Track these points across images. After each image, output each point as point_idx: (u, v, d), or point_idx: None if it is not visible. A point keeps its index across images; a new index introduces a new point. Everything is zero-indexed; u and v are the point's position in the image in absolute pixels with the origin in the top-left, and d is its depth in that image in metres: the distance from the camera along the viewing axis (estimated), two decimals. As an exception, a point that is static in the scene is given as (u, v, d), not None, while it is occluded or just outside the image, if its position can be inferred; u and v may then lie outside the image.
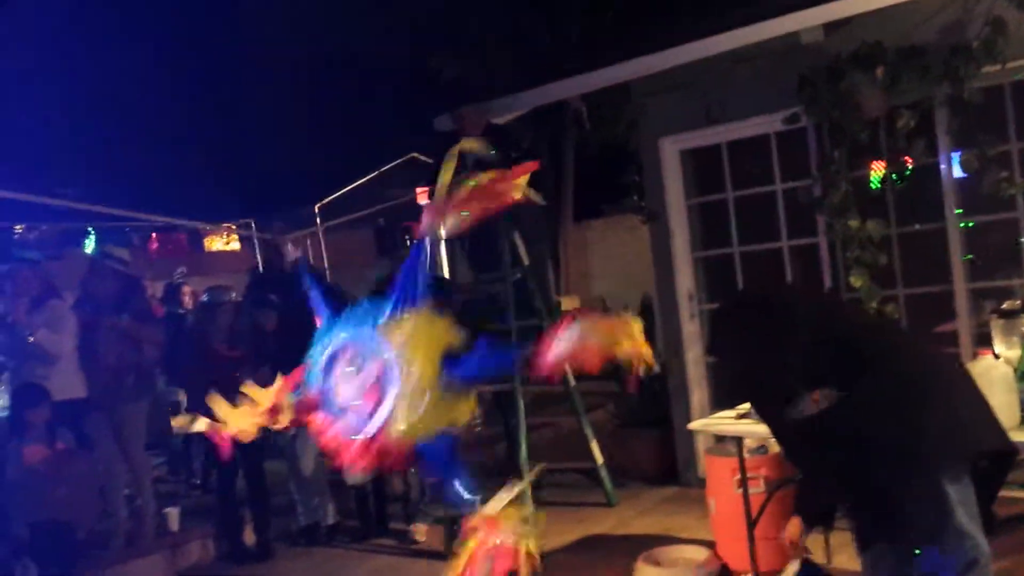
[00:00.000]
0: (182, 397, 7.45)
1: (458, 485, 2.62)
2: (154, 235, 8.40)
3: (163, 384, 7.31)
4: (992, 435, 2.67)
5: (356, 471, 2.64)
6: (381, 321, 2.46)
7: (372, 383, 2.38)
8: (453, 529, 5.51)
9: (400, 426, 2.38)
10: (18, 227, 7.58)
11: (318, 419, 2.48)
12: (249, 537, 5.96)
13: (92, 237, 7.59)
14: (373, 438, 2.40)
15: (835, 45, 5.10)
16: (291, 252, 6.68)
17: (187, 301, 8.76)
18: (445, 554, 5.40)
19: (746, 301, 3.15)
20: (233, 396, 5.88)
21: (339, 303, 2.64)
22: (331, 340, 2.48)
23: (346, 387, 2.39)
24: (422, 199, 8.61)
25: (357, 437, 2.40)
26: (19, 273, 6.24)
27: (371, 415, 2.36)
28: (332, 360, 2.44)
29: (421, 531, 5.79)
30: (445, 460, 2.62)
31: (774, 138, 5.67)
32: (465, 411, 2.56)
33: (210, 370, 5.97)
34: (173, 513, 6.08)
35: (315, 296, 2.70)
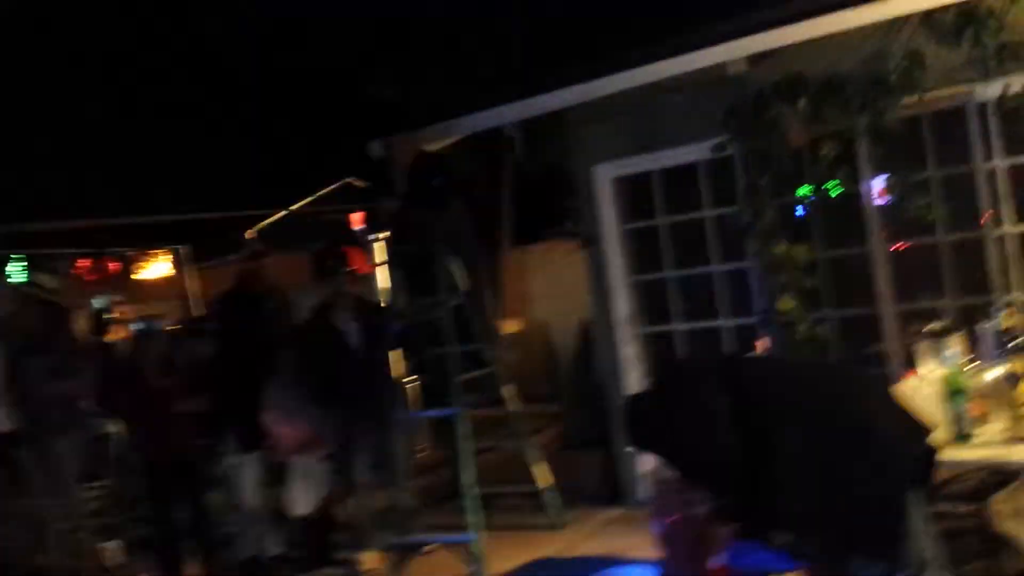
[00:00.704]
0: (114, 428, 7.27)
1: None
2: (81, 263, 8.22)
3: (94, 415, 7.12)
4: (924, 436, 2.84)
5: None
6: None
7: None
8: (401, 557, 5.53)
9: None
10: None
11: None
12: (191, 570, 5.86)
13: (19, 266, 7.40)
14: None
15: (760, 76, 5.31)
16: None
17: (119, 317, 8.55)
18: (392, 582, 5.42)
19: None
20: (164, 427, 5.78)
21: None
22: None
23: None
24: (356, 224, 8.61)
25: None
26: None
27: None
28: None
29: (368, 560, 5.76)
30: None
31: (703, 166, 5.86)
32: None
33: (143, 400, 5.89)
34: (113, 548, 5.94)
35: None
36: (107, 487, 7.41)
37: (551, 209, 8.80)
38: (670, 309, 6.09)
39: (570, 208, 6.67)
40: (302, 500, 5.77)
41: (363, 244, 8.41)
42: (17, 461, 5.84)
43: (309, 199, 9.02)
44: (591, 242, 6.33)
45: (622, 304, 6.25)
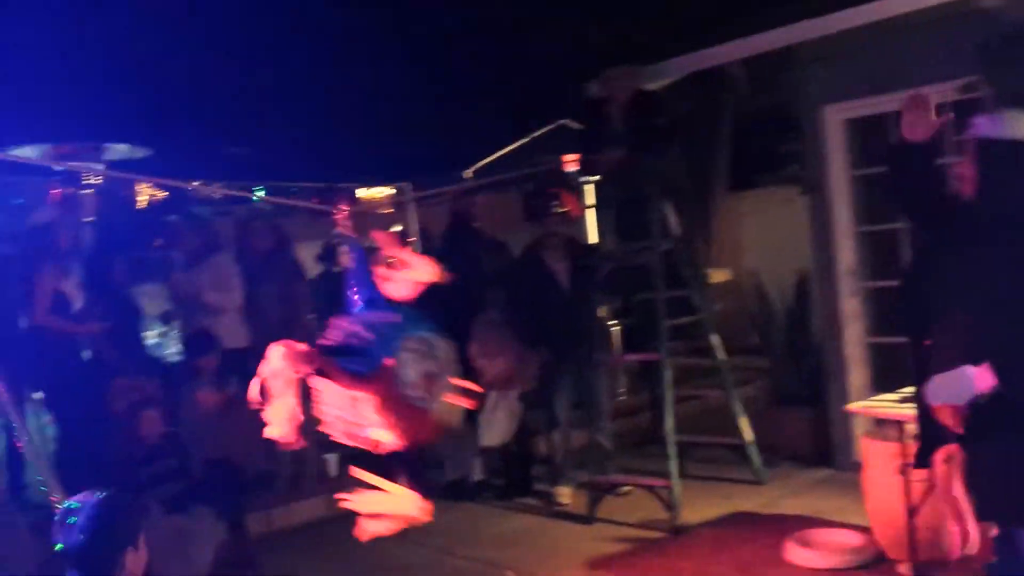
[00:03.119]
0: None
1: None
2: (314, 199, 8.79)
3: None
4: None
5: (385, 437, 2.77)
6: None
7: (425, 375, 2.58)
8: (597, 495, 5.57)
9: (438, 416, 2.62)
10: (193, 183, 8.03)
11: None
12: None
13: (259, 195, 8.02)
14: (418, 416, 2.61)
15: (1017, 7, 4.74)
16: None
17: (343, 260, 9.09)
18: (588, 518, 5.48)
19: None
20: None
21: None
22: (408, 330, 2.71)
23: (410, 370, 2.59)
24: (570, 166, 8.59)
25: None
26: (182, 229, 6.69)
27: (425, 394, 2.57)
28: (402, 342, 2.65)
29: (565, 494, 5.86)
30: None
31: (947, 108, 5.34)
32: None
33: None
34: (333, 458, 6.38)
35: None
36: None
37: (770, 153, 8.37)
38: (899, 262, 5.65)
39: (792, 152, 6.32)
40: (497, 431, 5.92)
41: (575, 186, 8.41)
42: (250, 374, 6.34)
43: (524, 140, 9.09)
44: (814, 188, 5.97)
45: (846, 255, 5.88)
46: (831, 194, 5.88)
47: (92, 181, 6.57)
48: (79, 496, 2.52)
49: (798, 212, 6.48)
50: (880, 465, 4.39)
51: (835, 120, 5.89)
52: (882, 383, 5.48)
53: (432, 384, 2.59)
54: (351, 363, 2.64)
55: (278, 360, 2.52)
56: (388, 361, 2.61)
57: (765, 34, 5.81)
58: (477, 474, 6.24)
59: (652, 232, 5.81)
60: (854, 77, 5.65)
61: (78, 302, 5.72)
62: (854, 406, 4.64)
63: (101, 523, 2.46)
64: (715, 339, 6.01)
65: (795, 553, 4.37)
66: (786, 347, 6.72)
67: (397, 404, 2.61)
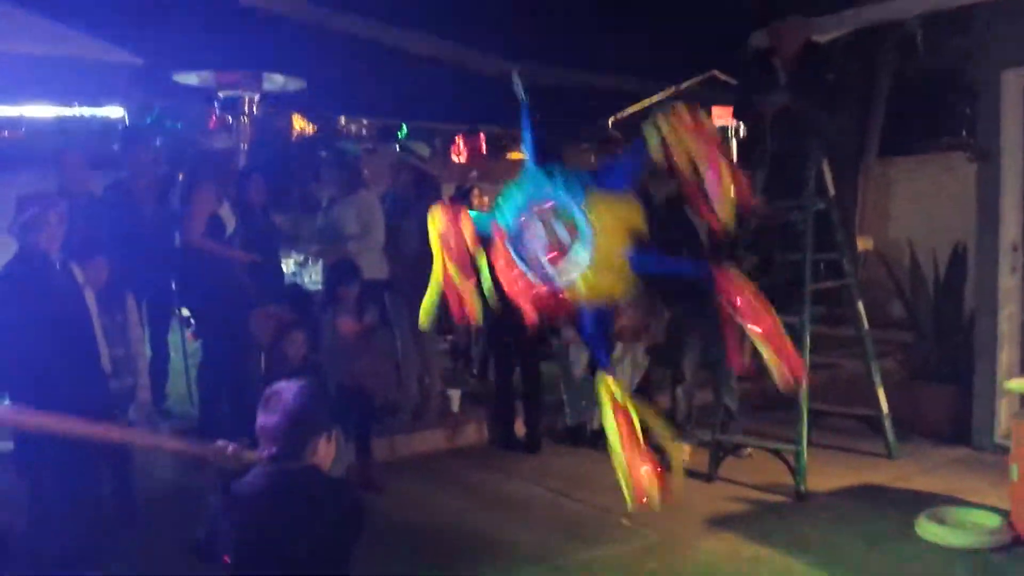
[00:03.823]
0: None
1: (599, 353, 2.85)
2: (459, 138, 8.91)
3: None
4: None
5: (529, 316, 2.75)
6: (586, 192, 2.64)
7: (558, 242, 2.54)
8: (719, 454, 5.49)
9: (573, 281, 2.59)
10: (342, 120, 8.27)
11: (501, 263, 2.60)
12: (519, 429, 6.28)
13: (403, 133, 8.19)
14: (547, 289, 2.60)
15: None
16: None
17: (476, 203, 9.19)
18: (709, 476, 5.41)
19: None
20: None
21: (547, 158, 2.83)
22: (536, 189, 2.65)
23: (535, 237, 2.56)
24: (718, 120, 8.36)
25: (534, 284, 2.61)
26: (330, 165, 6.86)
27: (551, 267, 2.55)
28: (528, 208, 2.56)
29: (685, 450, 5.80)
30: (595, 328, 2.81)
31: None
32: (625, 289, 2.73)
33: (498, 272, 6.28)
34: (455, 395, 6.52)
35: (527, 140, 2.94)
36: (456, 343, 8.14)
37: (931, 117, 7.86)
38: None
39: (959, 116, 5.93)
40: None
41: (722, 140, 8.18)
42: (388, 306, 6.52)
43: (669, 91, 8.90)
44: (985, 156, 5.60)
45: (1011, 229, 5.54)
46: (1002, 163, 5.52)
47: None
48: (282, 382, 2.58)
49: (958, 180, 6.12)
50: (1029, 449, 4.16)
51: (1016, 85, 5.52)
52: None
53: (558, 255, 2.52)
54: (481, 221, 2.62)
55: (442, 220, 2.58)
56: (495, 223, 2.53)
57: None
58: (596, 422, 6.24)
59: (806, 190, 5.57)
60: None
61: (231, 227, 5.97)
62: (1015, 384, 4.40)
63: (301, 405, 2.52)
64: (860, 307, 5.76)
65: (926, 529, 4.21)
66: (934, 321, 6.39)
67: (506, 268, 2.60)
